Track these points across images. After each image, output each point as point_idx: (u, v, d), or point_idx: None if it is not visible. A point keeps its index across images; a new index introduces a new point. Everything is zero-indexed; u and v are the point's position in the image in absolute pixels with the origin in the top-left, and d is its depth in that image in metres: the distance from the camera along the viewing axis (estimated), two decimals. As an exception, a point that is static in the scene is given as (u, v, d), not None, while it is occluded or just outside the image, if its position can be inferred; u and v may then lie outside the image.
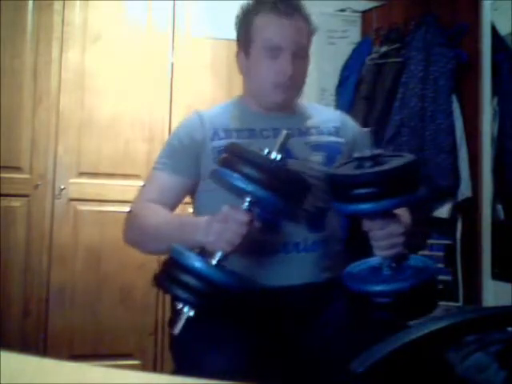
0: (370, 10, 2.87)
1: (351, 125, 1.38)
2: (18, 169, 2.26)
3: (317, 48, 3.04)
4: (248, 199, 1.02)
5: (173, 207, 1.27)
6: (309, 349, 1.12)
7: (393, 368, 0.64)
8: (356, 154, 1.07)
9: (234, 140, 1.21)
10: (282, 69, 1.22)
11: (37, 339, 2.19)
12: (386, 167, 1.01)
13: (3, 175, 2.21)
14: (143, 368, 2.18)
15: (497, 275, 2.23)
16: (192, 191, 1.29)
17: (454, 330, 0.69)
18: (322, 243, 1.23)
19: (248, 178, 0.97)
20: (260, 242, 1.15)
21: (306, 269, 1.20)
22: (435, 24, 2.46)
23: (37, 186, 2.26)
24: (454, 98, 2.38)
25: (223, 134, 1.25)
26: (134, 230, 1.25)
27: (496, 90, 2.31)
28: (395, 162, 1.02)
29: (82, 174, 2.32)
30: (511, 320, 0.80)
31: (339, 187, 1.07)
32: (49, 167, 2.28)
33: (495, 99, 2.31)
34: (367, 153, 1.04)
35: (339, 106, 2.80)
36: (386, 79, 2.56)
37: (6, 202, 2.22)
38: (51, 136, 2.29)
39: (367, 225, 1.05)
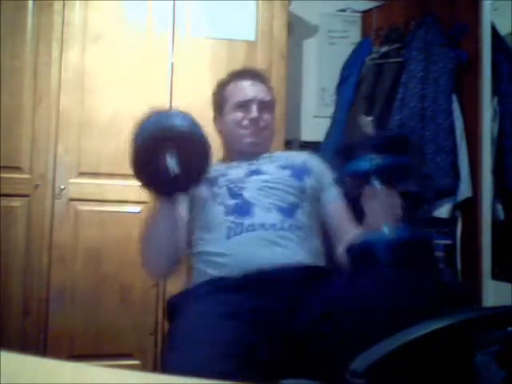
0: (370, 10, 2.88)
1: (316, 161, 1.53)
2: (18, 169, 2.26)
3: (317, 48, 3.05)
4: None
5: None
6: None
7: (393, 368, 0.64)
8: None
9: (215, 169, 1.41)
10: (250, 113, 1.47)
11: (37, 339, 2.19)
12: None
13: (3, 175, 2.21)
14: (143, 368, 2.18)
15: (497, 275, 2.23)
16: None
17: (454, 330, 0.69)
18: (298, 228, 1.32)
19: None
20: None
21: (289, 248, 1.28)
22: (435, 24, 2.46)
23: (37, 186, 2.26)
24: (454, 98, 2.39)
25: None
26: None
27: (496, 90, 2.31)
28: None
29: (81, 174, 2.32)
30: (511, 320, 0.80)
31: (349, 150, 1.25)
32: (49, 167, 2.28)
33: (495, 99, 2.31)
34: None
35: (339, 105, 2.80)
36: (386, 79, 2.57)
37: (5, 201, 2.22)
38: (51, 136, 2.29)
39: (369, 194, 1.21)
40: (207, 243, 1.35)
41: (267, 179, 1.40)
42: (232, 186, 1.39)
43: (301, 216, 1.36)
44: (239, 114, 1.49)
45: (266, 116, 1.51)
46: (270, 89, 1.57)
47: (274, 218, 1.32)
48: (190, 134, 1.20)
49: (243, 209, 1.34)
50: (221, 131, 1.56)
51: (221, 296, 1.18)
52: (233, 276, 1.24)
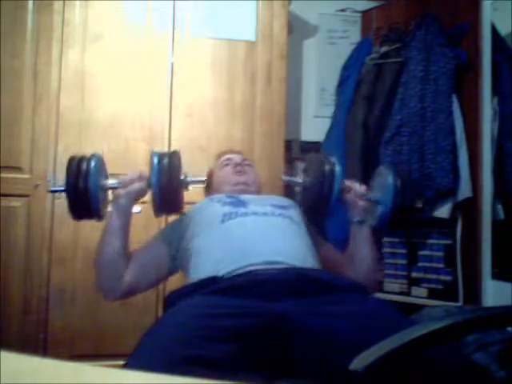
0: (370, 10, 2.88)
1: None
2: (18, 169, 2.26)
3: (317, 48, 3.05)
4: None
5: None
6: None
7: (393, 368, 0.64)
8: None
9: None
10: (234, 160, 1.69)
11: (37, 339, 2.19)
12: None
13: (3, 175, 2.21)
14: (143, 368, 2.18)
15: (497, 275, 2.23)
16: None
17: (453, 329, 0.69)
18: (289, 218, 1.43)
19: None
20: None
21: (278, 233, 1.37)
22: (435, 24, 2.46)
23: (37, 186, 2.26)
24: (454, 98, 2.38)
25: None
26: None
27: (496, 90, 2.31)
28: None
29: (82, 174, 2.32)
30: (511, 320, 0.80)
31: None
32: (49, 167, 2.28)
33: (495, 99, 2.31)
34: None
35: (339, 105, 2.80)
36: (386, 79, 2.57)
37: (6, 201, 2.22)
38: (51, 136, 2.29)
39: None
40: (203, 235, 1.40)
41: (261, 196, 1.60)
42: (229, 195, 1.55)
43: (292, 212, 1.49)
44: (226, 167, 1.69)
45: (249, 168, 1.70)
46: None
47: (267, 209, 1.44)
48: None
49: (239, 203, 1.46)
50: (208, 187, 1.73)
51: (203, 298, 1.17)
52: (224, 276, 1.25)
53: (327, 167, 1.45)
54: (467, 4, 2.44)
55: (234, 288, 1.19)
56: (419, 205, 2.28)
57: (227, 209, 1.43)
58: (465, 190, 2.33)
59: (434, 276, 2.43)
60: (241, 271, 1.25)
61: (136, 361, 0.97)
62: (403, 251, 2.55)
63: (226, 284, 1.22)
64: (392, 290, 2.56)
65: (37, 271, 2.23)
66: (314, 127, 2.93)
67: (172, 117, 2.41)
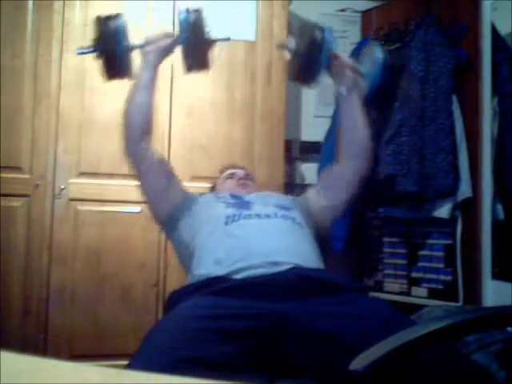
0: (370, 10, 2.87)
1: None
2: (18, 169, 2.26)
3: (317, 48, 3.05)
4: None
5: None
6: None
7: (392, 367, 0.64)
8: None
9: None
10: (238, 174, 1.74)
11: (37, 339, 2.19)
12: None
13: (3, 175, 2.21)
14: (143, 368, 2.18)
15: (497, 275, 2.23)
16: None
17: (453, 329, 0.69)
18: (291, 219, 1.44)
19: None
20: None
21: (280, 236, 1.37)
22: (435, 24, 2.46)
23: (37, 186, 2.26)
24: (454, 98, 2.38)
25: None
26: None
27: (496, 90, 2.31)
28: None
29: (81, 174, 2.32)
30: (511, 320, 0.80)
31: None
32: (49, 167, 2.28)
33: (495, 99, 2.31)
34: None
35: (339, 105, 2.80)
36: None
37: (6, 201, 2.22)
38: (51, 136, 2.29)
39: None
40: (206, 235, 1.40)
41: (264, 195, 1.61)
42: (233, 194, 1.57)
43: (294, 212, 1.49)
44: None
45: (251, 180, 1.75)
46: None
47: (269, 210, 1.45)
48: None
49: (242, 205, 1.47)
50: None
51: (202, 299, 1.17)
52: (225, 276, 1.25)
53: (317, 33, 1.46)
54: (467, 4, 2.43)
55: (236, 289, 1.19)
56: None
57: (230, 211, 1.44)
58: (465, 190, 2.33)
59: (433, 276, 2.43)
60: (242, 271, 1.25)
61: (137, 363, 0.97)
62: (403, 251, 2.55)
63: (227, 284, 1.21)
64: (392, 289, 2.56)
65: (37, 271, 2.23)
66: (314, 127, 2.93)
67: (172, 117, 2.41)
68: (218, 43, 1.53)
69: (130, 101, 1.52)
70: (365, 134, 1.55)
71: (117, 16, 1.47)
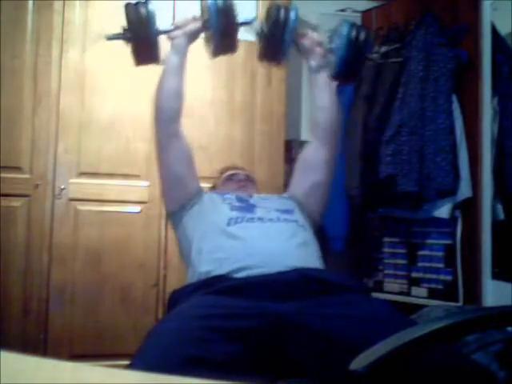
0: (370, 10, 2.87)
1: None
2: (18, 169, 2.26)
3: (317, 48, 3.05)
4: None
5: None
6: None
7: (393, 367, 0.64)
8: None
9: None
10: (238, 175, 1.74)
11: (37, 339, 2.19)
12: None
13: (3, 175, 2.21)
14: (143, 368, 2.18)
15: (497, 275, 2.23)
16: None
17: (453, 329, 0.69)
18: (293, 222, 1.45)
19: None
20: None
21: (282, 239, 1.37)
22: (435, 24, 2.46)
23: (37, 186, 2.26)
24: (454, 98, 2.38)
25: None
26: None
27: (496, 90, 2.31)
28: None
29: (81, 174, 2.32)
30: (511, 320, 0.80)
31: None
32: (49, 167, 2.28)
33: (495, 99, 2.31)
34: None
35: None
36: (386, 79, 2.56)
37: (6, 201, 2.22)
38: (51, 136, 2.29)
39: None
40: (208, 234, 1.41)
41: (267, 198, 1.60)
42: (239, 197, 1.57)
43: (296, 215, 1.49)
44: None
45: (252, 181, 1.76)
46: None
47: (273, 215, 1.45)
48: None
49: (246, 208, 1.47)
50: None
51: (204, 298, 1.17)
52: (226, 275, 1.25)
53: (281, 13, 1.49)
54: (467, 4, 2.44)
55: (237, 288, 1.19)
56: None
57: (234, 214, 1.44)
58: (465, 190, 2.33)
59: (433, 276, 2.43)
60: (243, 271, 1.25)
61: (138, 362, 0.97)
62: (403, 251, 2.55)
63: (228, 284, 1.22)
64: (392, 289, 2.56)
65: (37, 271, 2.23)
66: (314, 127, 2.93)
67: (172, 117, 2.41)
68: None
69: (160, 85, 1.55)
70: (333, 113, 1.58)
71: (146, 2, 1.48)
